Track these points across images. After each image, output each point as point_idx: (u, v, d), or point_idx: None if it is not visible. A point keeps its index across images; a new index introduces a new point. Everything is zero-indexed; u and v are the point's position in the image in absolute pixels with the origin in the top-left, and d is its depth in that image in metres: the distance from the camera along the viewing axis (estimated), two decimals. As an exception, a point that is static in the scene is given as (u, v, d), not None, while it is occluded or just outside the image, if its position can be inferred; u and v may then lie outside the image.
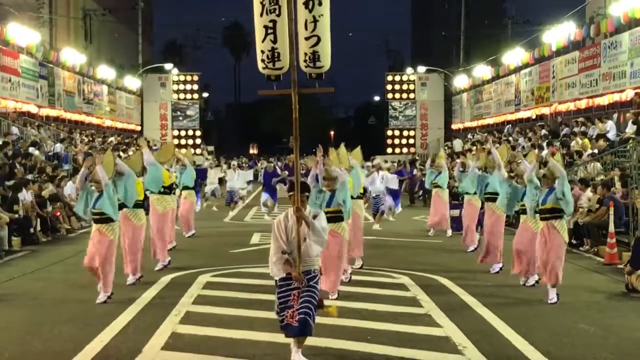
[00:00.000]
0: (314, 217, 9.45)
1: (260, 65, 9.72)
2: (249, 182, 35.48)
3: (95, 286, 13.52)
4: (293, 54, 9.47)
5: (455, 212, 23.06)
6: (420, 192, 36.13)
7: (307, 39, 9.58)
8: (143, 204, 15.69)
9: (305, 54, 9.67)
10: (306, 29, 9.55)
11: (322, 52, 9.66)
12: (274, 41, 9.53)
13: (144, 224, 15.38)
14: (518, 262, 14.83)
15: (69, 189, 24.87)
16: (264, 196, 30.10)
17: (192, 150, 40.41)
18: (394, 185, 26.58)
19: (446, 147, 46.12)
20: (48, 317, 12.10)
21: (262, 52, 9.64)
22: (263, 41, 9.58)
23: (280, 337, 10.57)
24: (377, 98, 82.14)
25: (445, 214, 23.25)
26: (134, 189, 14.53)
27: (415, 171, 38.23)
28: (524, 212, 14.74)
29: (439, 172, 23.13)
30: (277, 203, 30.32)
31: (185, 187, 22.30)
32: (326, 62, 9.74)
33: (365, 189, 19.50)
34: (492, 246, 16.65)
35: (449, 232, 23.20)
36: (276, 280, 9.53)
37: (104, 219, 13.44)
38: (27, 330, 11.24)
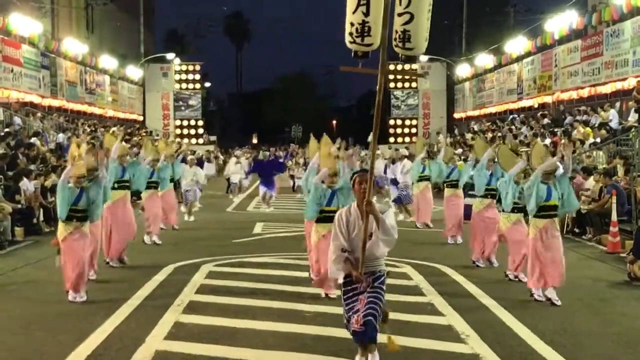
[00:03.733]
0: (381, 212, 8.45)
1: (347, 39, 8.74)
2: (247, 174, 35.47)
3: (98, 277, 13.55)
4: (386, 30, 8.45)
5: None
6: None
7: (399, 15, 8.59)
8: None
9: (396, 32, 8.66)
10: (400, 3, 8.59)
11: (414, 32, 8.62)
12: (366, 14, 8.52)
13: (98, 224, 14.30)
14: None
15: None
16: (262, 189, 29.86)
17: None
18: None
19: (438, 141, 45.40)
20: (51, 307, 12.11)
21: (352, 24, 8.65)
22: (354, 12, 8.59)
23: (283, 327, 10.62)
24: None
25: (429, 210, 22.98)
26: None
27: None
28: (519, 210, 14.11)
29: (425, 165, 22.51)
30: (274, 194, 30.08)
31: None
32: (418, 44, 8.72)
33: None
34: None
35: (411, 218, 23.14)
36: (340, 285, 8.66)
37: (85, 217, 12.93)
38: (30, 320, 11.25)
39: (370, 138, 23.85)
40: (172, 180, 21.77)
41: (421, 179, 22.57)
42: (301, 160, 39.45)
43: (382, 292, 8.52)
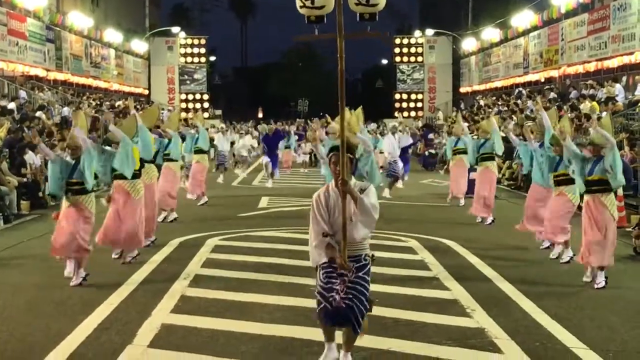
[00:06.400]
0: (361, 190, 7.63)
1: (297, 3, 8.24)
2: (253, 147, 35.52)
3: (106, 251, 13.56)
4: None
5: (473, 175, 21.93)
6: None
7: None
8: (140, 174, 14.04)
9: None
10: None
11: None
12: None
13: (142, 197, 13.82)
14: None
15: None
16: (264, 159, 29.67)
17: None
18: (406, 142, 25.58)
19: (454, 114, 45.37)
20: (57, 281, 12.13)
21: None
22: None
23: (288, 300, 10.63)
24: (385, 61, 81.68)
25: (464, 182, 22.12)
26: (131, 157, 13.23)
27: (431, 135, 38.80)
28: (558, 183, 13.56)
29: (458, 137, 21.84)
30: (277, 170, 29.73)
31: (199, 151, 21.82)
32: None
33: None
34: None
35: (462, 202, 21.93)
36: (317, 265, 7.91)
37: (81, 189, 12.08)
38: (37, 294, 11.29)
39: (392, 124, 23.77)
40: (198, 151, 21.75)
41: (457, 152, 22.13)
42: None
43: (367, 283, 7.74)
